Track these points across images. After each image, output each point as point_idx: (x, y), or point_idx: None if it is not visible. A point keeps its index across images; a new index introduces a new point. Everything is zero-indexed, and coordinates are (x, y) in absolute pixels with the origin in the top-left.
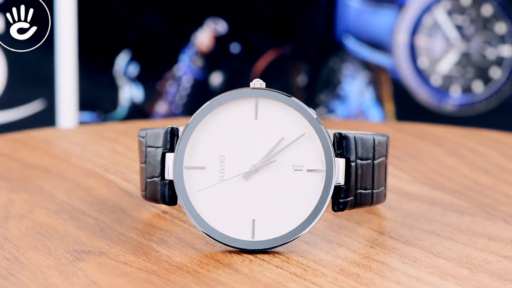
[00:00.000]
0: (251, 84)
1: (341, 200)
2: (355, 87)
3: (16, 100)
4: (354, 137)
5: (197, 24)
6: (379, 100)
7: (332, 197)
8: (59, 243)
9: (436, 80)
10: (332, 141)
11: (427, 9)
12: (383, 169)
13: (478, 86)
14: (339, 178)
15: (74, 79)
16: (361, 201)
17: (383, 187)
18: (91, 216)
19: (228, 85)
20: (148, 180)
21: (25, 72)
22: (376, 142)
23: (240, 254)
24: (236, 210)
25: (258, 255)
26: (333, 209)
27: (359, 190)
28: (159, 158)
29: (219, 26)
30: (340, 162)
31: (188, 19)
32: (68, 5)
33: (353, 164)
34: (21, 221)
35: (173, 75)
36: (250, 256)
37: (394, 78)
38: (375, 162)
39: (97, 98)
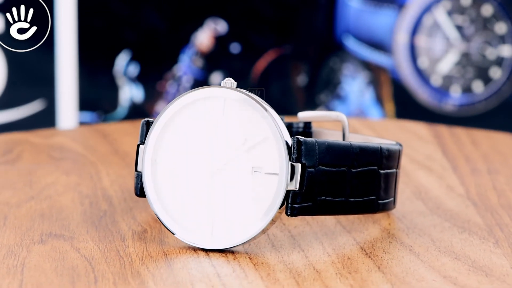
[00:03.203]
0: (222, 83)
1: (295, 205)
2: (355, 87)
3: (16, 100)
4: (317, 142)
5: (197, 24)
6: (379, 100)
7: (287, 201)
8: (45, 225)
9: (436, 80)
10: (290, 146)
11: (427, 9)
12: (372, 178)
13: (478, 86)
14: (293, 183)
15: (74, 79)
16: (326, 208)
17: (373, 197)
18: (111, 203)
19: None
20: None
21: (25, 72)
22: (356, 151)
23: (195, 251)
24: (197, 208)
25: (211, 253)
26: (286, 214)
27: (322, 197)
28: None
29: (219, 26)
30: (294, 167)
31: (188, 19)
32: (68, 5)
33: (311, 170)
34: (40, 202)
35: (173, 75)
36: (202, 253)
37: (394, 78)
38: (355, 170)
39: (97, 98)
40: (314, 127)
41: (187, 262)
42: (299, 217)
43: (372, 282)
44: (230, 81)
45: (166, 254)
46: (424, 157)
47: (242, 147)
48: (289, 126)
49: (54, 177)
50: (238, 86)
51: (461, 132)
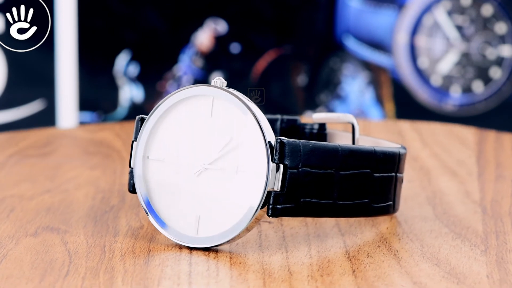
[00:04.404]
0: (212, 82)
1: (277, 206)
2: (355, 87)
3: (16, 100)
4: (301, 143)
5: (197, 24)
6: (379, 100)
7: (269, 202)
8: (46, 219)
9: (436, 80)
10: (273, 146)
11: (427, 9)
12: (365, 181)
13: (478, 86)
14: (274, 183)
15: (74, 79)
16: (311, 210)
17: (366, 200)
18: (123, 199)
19: (229, 85)
20: None
21: (25, 72)
22: (345, 153)
23: (180, 249)
24: (185, 205)
25: (195, 251)
26: (267, 214)
27: (307, 199)
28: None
29: (219, 26)
30: (275, 168)
31: (188, 19)
32: (68, 5)
33: (294, 171)
34: (54, 196)
35: (173, 75)
36: (186, 251)
37: (394, 78)
38: (344, 173)
39: (97, 98)
40: (330, 129)
41: (166, 259)
42: (300, 218)
43: (340, 285)
44: (220, 80)
45: (149, 251)
46: (456, 162)
47: (227, 146)
48: (303, 127)
49: (78, 172)
50: (238, 86)
51: (507, 138)
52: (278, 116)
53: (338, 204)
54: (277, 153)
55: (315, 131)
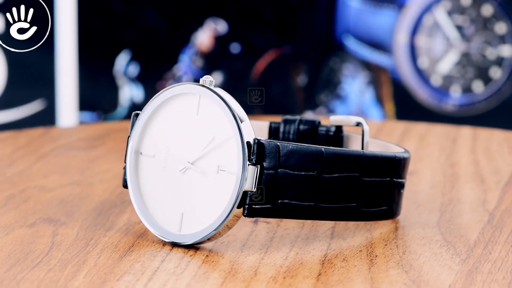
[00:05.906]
0: (201, 80)
1: (253, 207)
2: (355, 87)
3: (16, 100)
4: (279, 145)
5: (197, 24)
6: (379, 100)
7: (246, 202)
8: (52, 210)
9: (436, 80)
10: (251, 147)
11: (427, 9)
12: (352, 185)
13: (478, 86)
14: (249, 184)
15: (74, 79)
16: (291, 212)
17: (354, 204)
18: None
19: (228, 85)
20: None
21: (25, 72)
22: (330, 156)
23: (164, 245)
24: (170, 202)
25: (176, 248)
26: (243, 214)
27: (285, 200)
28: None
29: (219, 26)
30: (251, 168)
31: (188, 19)
32: (68, 5)
33: (271, 172)
34: (75, 188)
35: (173, 75)
36: (167, 248)
37: (394, 78)
38: (327, 176)
39: (97, 98)
40: (346, 131)
41: (143, 255)
42: (299, 220)
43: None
44: (208, 79)
45: (132, 246)
46: (492, 170)
47: (210, 145)
48: (320, 129)
49: (111, 165)
50: (238, 86)
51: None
52: (297, 117)
53: (321, 207)
54: (254, 154)
55: (331, 133)
